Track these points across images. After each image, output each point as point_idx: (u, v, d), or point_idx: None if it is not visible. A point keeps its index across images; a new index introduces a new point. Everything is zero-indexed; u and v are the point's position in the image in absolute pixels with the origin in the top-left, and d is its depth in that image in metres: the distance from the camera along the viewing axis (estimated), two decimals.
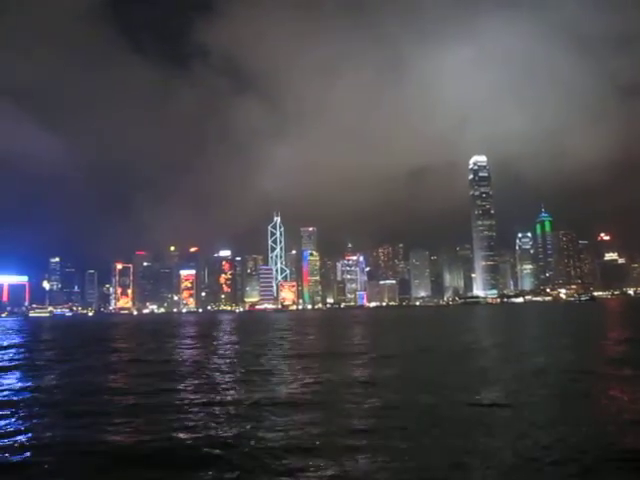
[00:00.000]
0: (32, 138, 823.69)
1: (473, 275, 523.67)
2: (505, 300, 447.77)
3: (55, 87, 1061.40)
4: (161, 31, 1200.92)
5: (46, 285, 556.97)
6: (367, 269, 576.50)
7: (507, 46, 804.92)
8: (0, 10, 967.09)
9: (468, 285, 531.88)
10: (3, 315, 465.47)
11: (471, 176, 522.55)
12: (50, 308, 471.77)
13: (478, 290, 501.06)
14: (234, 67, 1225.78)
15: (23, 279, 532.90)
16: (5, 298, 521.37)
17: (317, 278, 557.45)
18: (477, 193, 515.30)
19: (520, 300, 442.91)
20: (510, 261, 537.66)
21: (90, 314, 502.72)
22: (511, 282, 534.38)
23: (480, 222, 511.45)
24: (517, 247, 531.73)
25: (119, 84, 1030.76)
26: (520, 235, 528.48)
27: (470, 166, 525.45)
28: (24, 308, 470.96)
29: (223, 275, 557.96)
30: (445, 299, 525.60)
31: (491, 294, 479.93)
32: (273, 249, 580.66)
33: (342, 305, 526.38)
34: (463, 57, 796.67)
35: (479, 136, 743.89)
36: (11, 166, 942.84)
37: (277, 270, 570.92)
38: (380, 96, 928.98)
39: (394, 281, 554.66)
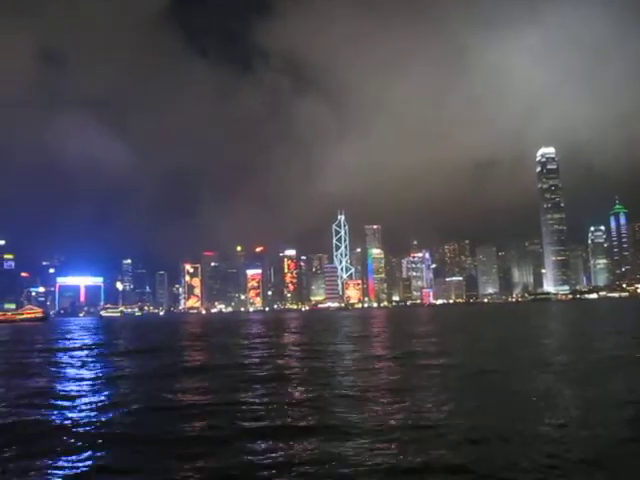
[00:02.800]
0: (105, 145, 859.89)
1: (543, 271, 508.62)
2: (578, 296, 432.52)
3: (125, 96, 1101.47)
4: (222, 34, 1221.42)
5: (119, 286, 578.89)
6: (433, 266, 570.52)
7: (575, 30, 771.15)
8: (72, 26, 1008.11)
9: (538, 281, 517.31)
10: (80, 315, 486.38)
11: (539, 169, 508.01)
12: (121, 308, 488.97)
13: (549, 286, 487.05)
14: (295, 67, 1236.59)
15: (98, 280, 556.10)
16: (82, 299, 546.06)
17: (382, 276, 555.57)
18: (545, 186, 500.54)
19: (594, 296, 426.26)
20: (582, 256, 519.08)
21: (161, 313, 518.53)
22: (584, 278, 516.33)
23: (549, 216, 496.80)
24: (590, 241, 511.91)
25: (185, 89, 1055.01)
26: (593, 228, 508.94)
27: (538, 158, 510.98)
28: (99, 308, 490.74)
29: (289, 274, 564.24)
30: (514, 296, 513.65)
31: (562, 290, 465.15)
32: (338, 247, 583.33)
33: (408, 303, 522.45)
34: (528, 44, 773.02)
35: (547, 126, 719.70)
36: (87, 174, 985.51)
37: (342, 268, 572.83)
38: (444, 91, 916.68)
39: (461, 278, 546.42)
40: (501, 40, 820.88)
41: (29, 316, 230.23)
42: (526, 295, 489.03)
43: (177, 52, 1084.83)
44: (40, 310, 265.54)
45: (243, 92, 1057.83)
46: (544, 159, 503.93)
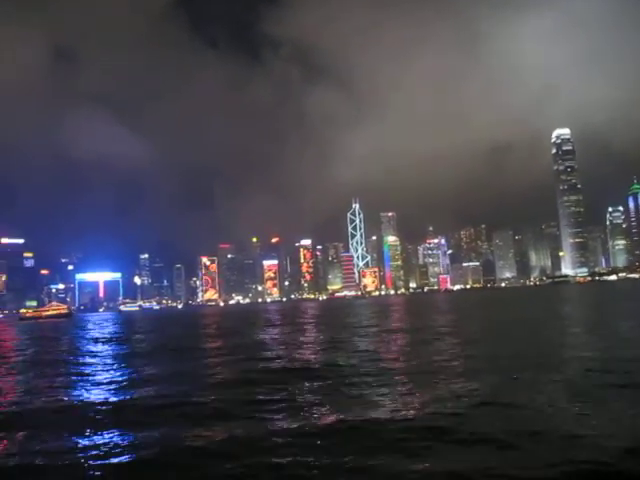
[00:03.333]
0: (119, 139, 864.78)
1: (561, 253, 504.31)
2: (597, 278, 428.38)
3: (136, 89, 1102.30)
4: (231, 25, 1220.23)
5: (137, 280, 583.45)
6: (449, 252, 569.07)
7: (591, 10, 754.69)
8: (84, 22, 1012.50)
9: (556, 264, 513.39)
10: (100, 310, 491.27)
11: (554, 150, 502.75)
12: (139, 302, 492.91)
13: (567, 269, 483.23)
14: (306, 55, 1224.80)
15: (116, 276, 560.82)
16: (102, 294, 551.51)
17: (399, 263, 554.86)
18: (561, 168, 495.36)
19: (613, 278, 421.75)
20: (600, 237, 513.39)
21: (179, 307, 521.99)
22: (602, 259, 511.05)
23: (566, 198, 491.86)
24: (608, 222, 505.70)
25: (196, 81, 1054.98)
26: (611, 209, 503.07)
27: (553, 140, 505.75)
28: (118, 303, 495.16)
29: (305, 264, 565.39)
30: (532, 279, 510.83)
31: (581, 272, 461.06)
32: (353, 236, 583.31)
33: (425, 289, 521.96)
34: (544, 24, 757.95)
35: (562, 108, 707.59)
36: (102, 169, 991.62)
37: (358, 257, 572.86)
38: (458, 75, 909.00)
39: (478, 263, 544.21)
40: (515, 22, 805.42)
41: (54, 312, 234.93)
42: (544, 278, 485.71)
43: (186, 43, 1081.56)
44: (65, 306, 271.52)
45: (254, 82, 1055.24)
46: (559, 140, 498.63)
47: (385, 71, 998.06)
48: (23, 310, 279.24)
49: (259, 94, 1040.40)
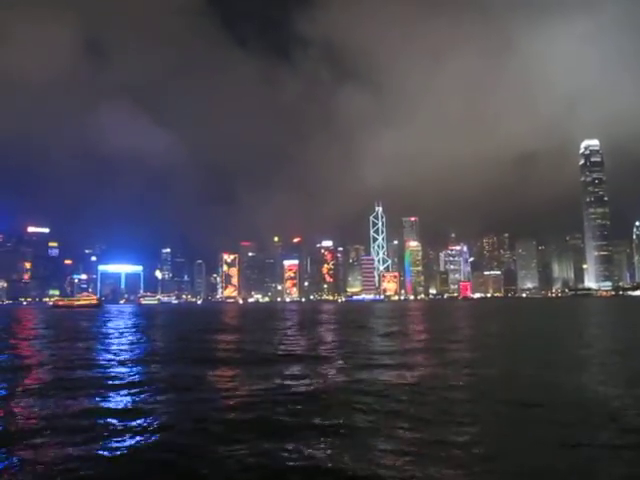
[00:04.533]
0: (145, 134, 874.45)
1: (584, 266, 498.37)
2: (620, 293, 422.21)
3: (163, 84, 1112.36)
4: (260, 22, 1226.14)
5: (158, 274, 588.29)
6: (471, 259, 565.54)
7: (624, 16, 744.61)
8: (115, 17, 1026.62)
9: (579, 276, 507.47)
10: (121, 302, 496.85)
11: (582, 161, 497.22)
12: (158, 296, 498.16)
13: (590, 282, 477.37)
14: (336, 55, 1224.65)
15: (138, 269, 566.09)
16: (123, 286, 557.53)
17: (419, 269, 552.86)
18: (589, 179, 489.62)
19: (638, 293, 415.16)
20: (626, 251, 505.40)
21: (199, 302, 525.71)
22: (627, 274, 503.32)
23: (592, 210, 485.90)
24: (634, 236, 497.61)
25: (224, 78, 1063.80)
26: (638, 223, 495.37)
27: (581, 151, 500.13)
28: (138, 296, 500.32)
29: (325, 265, 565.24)
30: (554, 291, 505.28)
31: (604, 286, 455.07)
32: (375, 239, 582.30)
33: (445, 296, 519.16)
34: (576, 31, 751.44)
35: (592, 117, 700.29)
36: (129, 163, 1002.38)
37: (379, 260, 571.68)
38: (487, 80, 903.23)
39: (499, 272, 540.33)
40: (548, 27, 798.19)
41: (85, 302, 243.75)
42: (566, 290, 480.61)
43: (217, 40, 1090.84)
44: (95, 297, 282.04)
45: (282, 80, 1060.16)
46: (588, 151, 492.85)
47: (415, 74, 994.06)
48: (56, 299, 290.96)
49: (287, 92, 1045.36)
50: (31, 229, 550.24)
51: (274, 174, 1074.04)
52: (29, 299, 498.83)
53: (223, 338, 53.23)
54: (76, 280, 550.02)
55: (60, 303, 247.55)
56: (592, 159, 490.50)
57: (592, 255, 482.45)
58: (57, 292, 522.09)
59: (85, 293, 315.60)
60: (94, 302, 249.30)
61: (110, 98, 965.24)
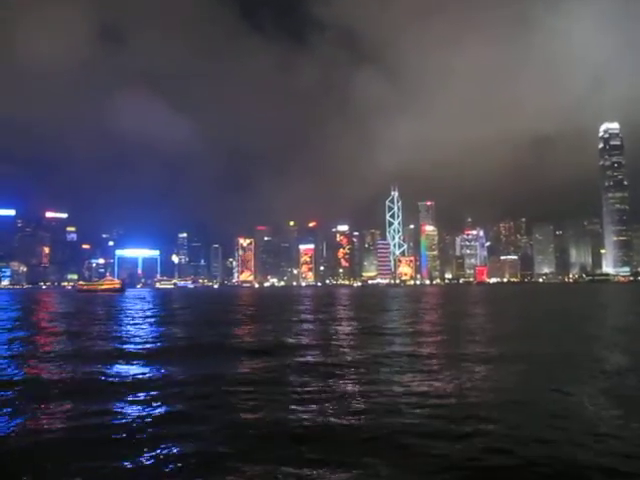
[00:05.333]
0: (162, 120, 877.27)
1: (602, 251, 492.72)
2: (639, 278, 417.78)
3: (180, 70, 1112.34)
4: (277, 7, 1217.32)
5: (175, 259, 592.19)
6: (487, 244, 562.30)
7: None
8: (132, 3, 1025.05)
9: (596, 262, 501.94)
10: (138, 286, 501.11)
11: (601, 145, 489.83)
12: (174, 280, 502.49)
13: (608, 267, 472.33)
14: (353, 39, 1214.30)
15: (155, 253, 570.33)
16: (140, 270, 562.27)
17: (435, 253, 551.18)
18: (608, 163, 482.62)
19: None
20: None
21: (215, 286, 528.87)
22: None
23: (611, 194, 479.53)
24: None
25: (241, 63, 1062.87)
26: None
27: (600, 134, 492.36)
28: (155, 280, 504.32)
29: (341, 249, 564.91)
30: (571, 276, 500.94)
31: (623, 272, 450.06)
32: (391, 224, 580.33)
33: (461, 281, 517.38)
34: (594, 11, 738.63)
35: (612, 100, 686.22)
36: (146, 147, 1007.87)
37: (395, 245, 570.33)
38: (505, 64, 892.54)
39: (516, 256, 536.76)
40: (566, 8, 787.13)
41: (109, 286, 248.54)
42: (584, 276, 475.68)
43: (234, 25, 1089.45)
44: (118, 281, 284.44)
45: (299, 65, 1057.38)
46: (607, 135, 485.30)
47: (433, 59, 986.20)
48: (80, 283, 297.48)
49: (304, 77, 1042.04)
50: (49, 214, 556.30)
51: (290, 159, 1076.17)
52: (48, 283, 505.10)
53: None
54: (94, 264, 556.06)
55: (84, 287, 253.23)
56: (611, 142, 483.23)
57: (610, 240, 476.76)
58: (75, 276, 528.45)
59: (108, 277, 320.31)
60: (117, 286, 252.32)
61: (127, 84, 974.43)
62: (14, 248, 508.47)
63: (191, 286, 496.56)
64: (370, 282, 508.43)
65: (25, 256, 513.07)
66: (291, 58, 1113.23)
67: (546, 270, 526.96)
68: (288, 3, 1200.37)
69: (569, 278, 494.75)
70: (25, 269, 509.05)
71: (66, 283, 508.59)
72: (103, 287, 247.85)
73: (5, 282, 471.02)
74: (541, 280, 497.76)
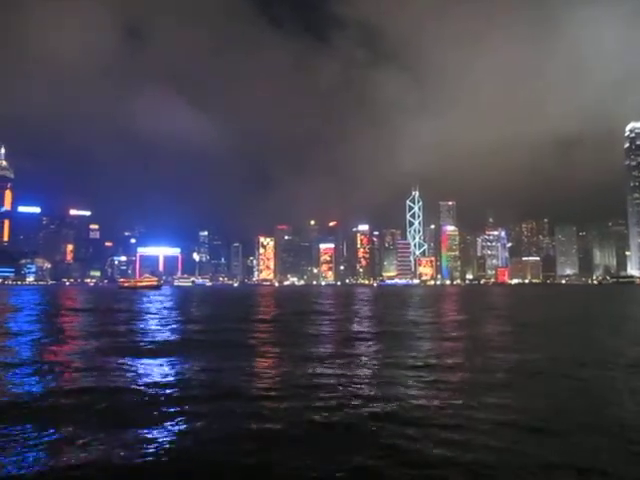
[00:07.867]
0: (184, 117, 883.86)
1: (627, 253, 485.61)
2: None
3: (203, 68, 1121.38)
4: (296, 4, 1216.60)
5: (196, 257, 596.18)
6: (509, 245, 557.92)
7: None
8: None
9: (621, 264, 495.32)
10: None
11: (627, 144, 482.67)
12: (192, 278, 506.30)
13: (633, 269, 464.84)
14: (373, 38, 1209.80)
15: (176, 251, 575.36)
16: (161, 268, 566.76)
17: (456, 253, 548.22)
18: (634, 163, 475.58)
19: None
20: None
21: (235, 285, 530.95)
22: None
23: (637, 195, 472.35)
24: None
25: (260, 60, 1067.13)
26: None
27: (626, 134, 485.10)
28: (175, 277, 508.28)
29: (361, 249, 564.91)
30: (594, 278, 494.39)
31: None
32: (411, 224, 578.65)
33: (482, 281, 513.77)
34: (620, 12, 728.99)
35: (638, 99, 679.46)
36: (168, 146, 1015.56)
37: (415, 245, 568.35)
38: (529, 63, 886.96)
39: (538, 257, 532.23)
40: (591, 8, 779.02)
41: (147, 284, 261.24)
42: (607, 278, 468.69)
43: (253, 23, 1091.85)
44: (156, 279, 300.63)
45: (319, 63, 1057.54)
46: (633, 134, 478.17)
47: (454, 58, 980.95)
48: (122, 279, 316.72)
49: (323, 76, 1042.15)
50: (73, 212, 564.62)
51: (310, 158, 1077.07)
52: (71, 280, 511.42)
53: None
54: (116, 262, 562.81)
55: (126, 284, 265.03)
56: (638, 142, 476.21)
57: (636, 241, 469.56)
58: (98, 273, 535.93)
59: (147, 275, 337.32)
60: (154, 283, 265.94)
61: (150, 83, 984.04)
62: (39, 245, 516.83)
63: (209, 284, 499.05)
64: (388, 282, 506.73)
65: (49, 253, 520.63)
66: (310, 55, 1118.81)
67: (569, 271, 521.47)
68: (309, 1, 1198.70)
69: (592, 280, 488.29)
70: (49, 265, 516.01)
71: (89, 280, 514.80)
72: (142, 284, 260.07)
73: (30, 278, 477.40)
74: (563, 281, 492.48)
